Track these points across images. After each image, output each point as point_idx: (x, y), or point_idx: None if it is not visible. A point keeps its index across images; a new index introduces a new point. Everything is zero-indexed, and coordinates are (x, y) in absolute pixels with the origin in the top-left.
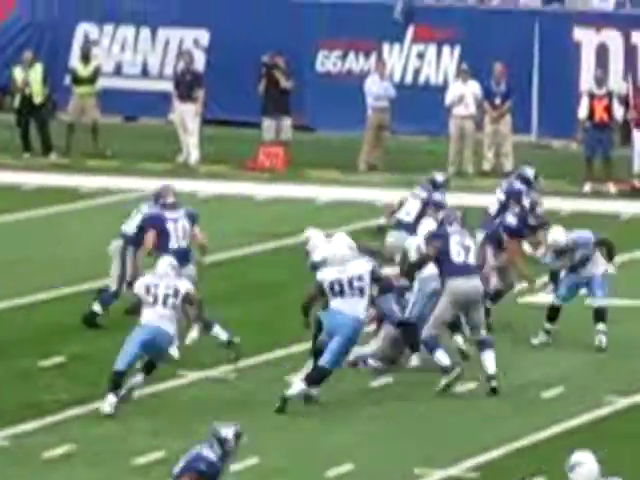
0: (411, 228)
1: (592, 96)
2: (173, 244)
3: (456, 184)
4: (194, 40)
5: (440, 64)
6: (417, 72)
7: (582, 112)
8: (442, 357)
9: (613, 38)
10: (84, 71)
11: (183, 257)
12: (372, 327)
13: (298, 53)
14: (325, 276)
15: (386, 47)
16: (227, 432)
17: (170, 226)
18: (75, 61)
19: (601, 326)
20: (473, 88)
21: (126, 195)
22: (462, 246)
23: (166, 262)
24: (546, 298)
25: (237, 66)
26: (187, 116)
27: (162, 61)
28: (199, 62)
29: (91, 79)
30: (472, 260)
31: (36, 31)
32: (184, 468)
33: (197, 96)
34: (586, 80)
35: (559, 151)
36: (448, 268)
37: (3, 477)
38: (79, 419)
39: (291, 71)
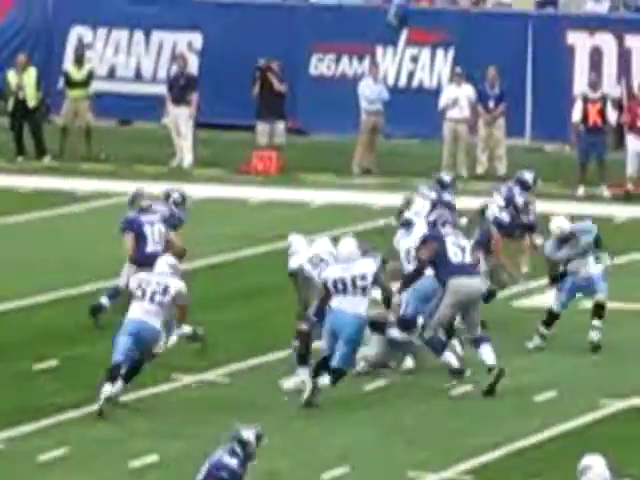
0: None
1: (586, 100)
2: (149, 248)
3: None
4: (188, 43)
5: (434, 67)
6: (411, 75)
7: (576, 116)
8: (451, 359)
9: (607, 42)
10: (78, 74)
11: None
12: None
13: (291, 56)
14: (329, 274)
15: (380, 50)
16: (248, 434)
17: (147, 230)
18: (69, 64)
19: (597, 322)
20: (467, 91)
21: (121, 198)
22: (458, 246)
23: (165, 261)
24: (540, 301)
25: (231, 70)
26: (181, 120)
27: (156, 64)
28: (193, 65)
29: (85, 82)
30: (469, 260)
31: (30, 34)
32: (206, 477)
33: (191, 99)
34: (580, 84)
35: (552, 154)
36: (447, 269)
37: None
38: (75, 422)
39: (285, 75)
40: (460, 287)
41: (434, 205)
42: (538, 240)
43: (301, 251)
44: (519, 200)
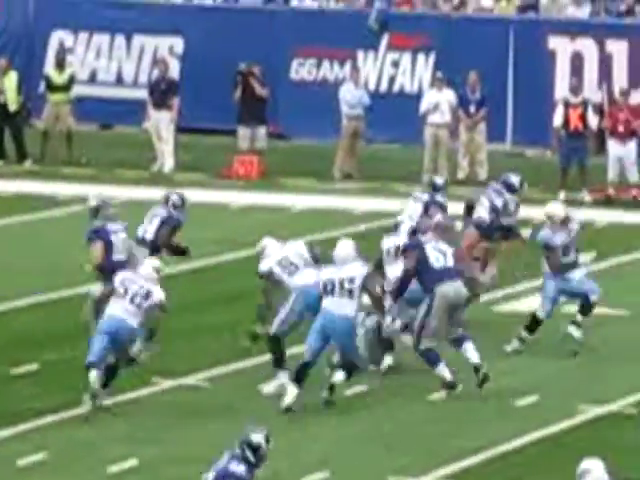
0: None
1: (567, 104)
2: (116, 256)
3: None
4: (169, 48)
5: (415, 72)
6: (392, 80)
7: (557, 120)
8: (444, 372)
9: (588, 47)
10: (59, 78)
11: (123, 270)
12: None
13: (272, 61)
14: (322, 276)
15: (361, 55)
16: (259, 438)
17: (114, 238)
18: (50, 68)
19: (580, 318)
20: (448, 96)
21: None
22: (439, 251)
23: (151, 265)
24: (520, 306)
25: (212, 74)
26: (162, 124)
27: (137, 69)
28: (174, 70)
29: (66, 87)
30: (450, 263)
31: (11, 38)
32: None
33: (172, 104)
34: (561, 88)
35: (534, 159)
36: (431, 276)
37: None
38: (53, 427)
39: (266, 79)
40: (446, 292)
41: (427, 207)
42: (524, 233)
43: (273, 254)
44: (498, 202)
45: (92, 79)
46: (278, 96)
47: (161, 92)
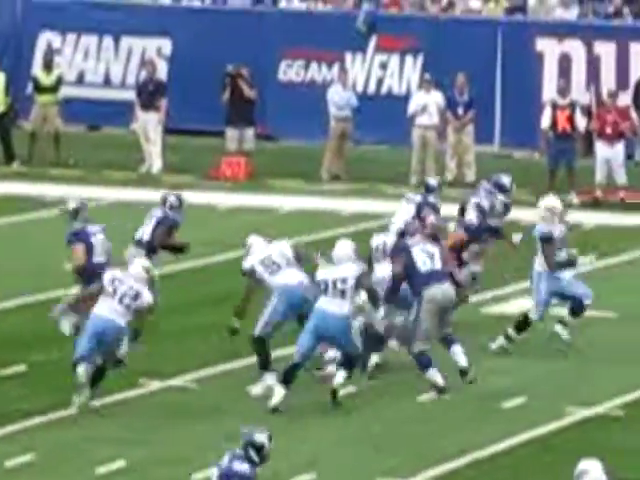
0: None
1: (555, 106)
2: (96, 258)
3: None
4: (157, 49)
5: (403, 74)
6: (380, 82)
7: (545, 122)
8: (435, 376)
9: (576, 48)
10: (47, 80)
11: (103, 272)
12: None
13: (260, 62)
14: (318, 275)
15: (349, 57)
16: (262, 438)
17: (94, 240)
18: (37, 70)
19: (569, 318)
20: (436, 98)
21: (90, 204)
22: (426, 254)
23: (140, 264)
24: (509, 308)
25: (199, 75)
26: (149, 125)
27: (125, 70)
28: (162, 71)
29: (53, 88)
30: (438, 266)
31: None
32: None
33: (159, 105)
34: (549, 90)
35: (522, 161)
36: (418, 279)
37: None
38: (41, 428)
39: (254, 81)
40: (435, 295)
41: (419, 208)
42: (515, 237)
43: (257, 252)
44: (485, 203)
45: (80, 80)
46: (266, 97)
47: (149, 93)
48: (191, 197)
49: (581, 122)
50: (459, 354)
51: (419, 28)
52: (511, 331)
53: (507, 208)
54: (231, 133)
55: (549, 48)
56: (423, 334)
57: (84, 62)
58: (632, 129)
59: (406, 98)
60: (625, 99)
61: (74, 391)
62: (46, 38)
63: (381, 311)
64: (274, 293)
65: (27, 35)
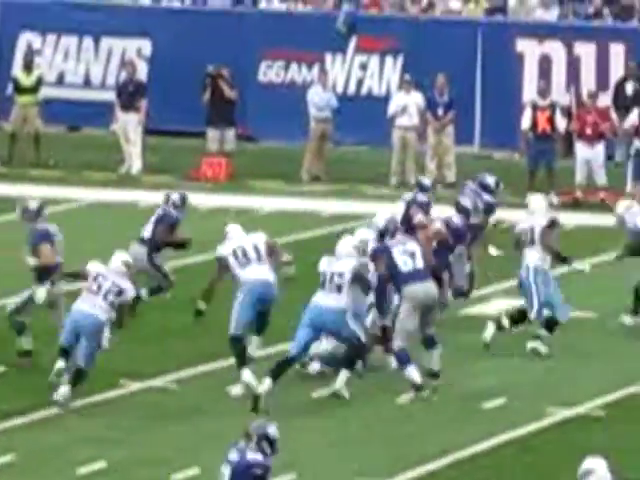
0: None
1: (535, 107)
2: (57, 258)
3: (398, 195)
4: (137, 50)
5: (383, 75)
6: (360, 83)
7: (525, 123)
8: (413, 374)
9: (556, 49)
10: (26, 80)
11: (58, 271)
12: None
13: (241, 63)
14: (320, 265)
15: (329, 58)
16: (274, 431)
17: (55, 240)
18: (17, 70)
19: (542, 332)
20: (416, 99)
21: (70, 205)
22: (407, 254)
23: (119, 259)
24: (488, 309)
25: (180, 76)
26: (130, 126)
27: (105, 71)
28: (142, 72)
29: (33, 88)
30: (420, 264)
31: None
32: (239, 479)
33: (140, 106)
34: (529, 91)
35: (502, 162)
36: (400, 278)
37: None
38: (21, 429)
39: (234, 82)
40: (413, 293)
41: (408, 206)
42: (492, 250)
43: (232, 240)
44: (466, 203)
45: (60, 81)
46: (246, 98)
47: (129, 94)
48: None
49: (561, 123)
50: (435, 358)
51: (399, 29)
52: (507, 323)
53: (491, 208)
54: (212, 134)
55: (529, 49)
56: (403, 332)
57: (64, 63)
58: (612, 130)
59: (386, 99)
60: (605, 100)
61: (52, 389)
62: (26, 39)
63: (371, 316)
64: (241, 288)
65: (7, 36)
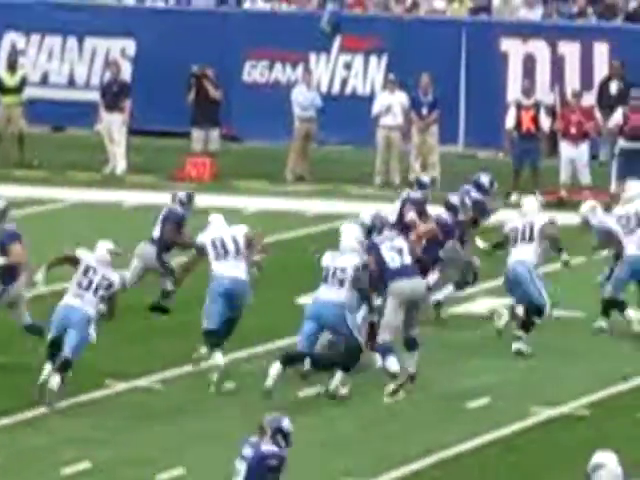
0: (392, 226)
1: (519, 106)
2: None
3: (383, 194)
4: (121, 50)
5: (367, 74)
6: (344, 82)
7: (509, 122)
8: (392, 364)
9: (540, 49)
10: (10, 80)
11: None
12: None
13: (225, 63)
14: (323, 260)
15: (313, 57)
16: (286, 423)
17: (23, 241)
18: (1, 70)
19: (520, 333)
20: (400, 98)
21: (55, 205)
22: (395, 250)
23: (104, 247)
24: (474, 308)
25: (164, 76)
26: (114, 126)
27: (89, 71)
28: (126, 72)
29: (18, 89)
30: (407, 260)
31: None
32: (253, 471)
33: (124, 106)
34: (513, 90)
35: (486, 161)
36: (387, 275)
37: None
38: (5, 430)
39: (219, 81)
40: (400, 289)
41: (403, 204)
42: (480, 244)
43: (212, 230)
44: (455, 200)
45: (44, 81)
46: (231, 98)
47: (113, 94)
48: (155, 198)
49: (545, 122)
50: (413, 360)
51: (383, 28)
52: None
53: (479, 206)
54: (197, 134)
55: (513, 48)
56: (388, 327)
57: (48, 63)
58: (596, 129)
59: (370, 98)
60: (589, 99)
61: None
62: (10, 39)
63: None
64: (212, 280)
65: None
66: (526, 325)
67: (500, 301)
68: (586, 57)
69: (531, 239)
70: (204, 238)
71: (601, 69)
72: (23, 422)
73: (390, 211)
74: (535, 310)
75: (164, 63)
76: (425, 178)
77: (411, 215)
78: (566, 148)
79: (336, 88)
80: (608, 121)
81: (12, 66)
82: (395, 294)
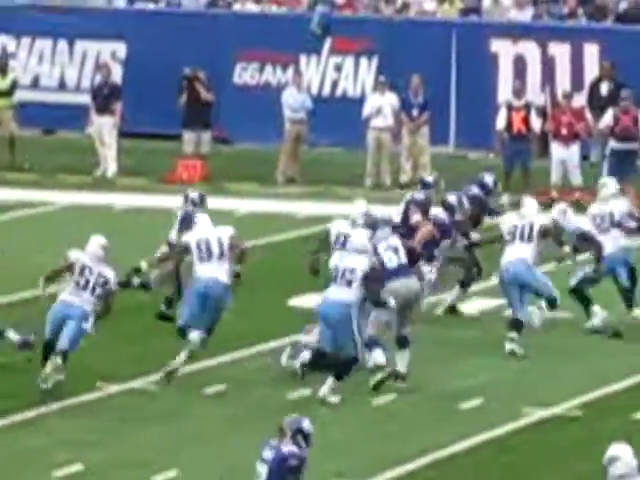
0: (397, 227)
1: (510, 107)
2: None
3: (374, 196)
4: (111, 53)
5: (357, 76)
6: (335, 84)
7: (500, 123)
8: (378, 356)
9: (530, 49)
10: (1, 84)
11: None
12: None
13: (215, 65)
14: (331, 260)
15: (303, 59)
16: (307, 423)
17: None
18: None
19: (514, 334)
20: (390, 100)
21: (45, 208)
22: (391, 249)
23: (97, 243)
24: (464, 308)
25: (154, 78)
26: (104, 129)
27: (79, 74)
28: (116, 75)
29: (8, 92)
30: (403, 259)
31: None
32: (276, 473)
33: (114, 109)
34: (504, 91)
35: (477, 162)
36: (385, 275)
37: None
38: None
39: (210, 84)
40: (397, 289)
41: (407, 206)
42: (474, 236)
43: (198, 230)
44: (452, 200)
45: (35, 84)
46: (221, 100)
47: (104, 97)
48: (146, 200)
49: (536, 123)
50: (405, 359)
51: (373, 30)
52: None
53: (477, 202)
54: (188, 136)
55: (504, 49)
56: (376, 322)
57: (39, 66)
58: (587, 130)
59: (361, 100)
60: (580, 100)
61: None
62: (0, 42)
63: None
64: (193, 281)
65: None
66: (518, 326)
67: (494, 302)
68: (576, 58)
69: (530, 239)
70: (189, 238)
71: (591, 70)
72: (15, 424)
73: (395, 212)
74: (550, 303)
75: (154, 65)
76: (429, 178)
77: (416, 217)
78: (557, 149)
79: (326, 90)
80: (599, 122)
81: (2, 69)
82: (391, 294)
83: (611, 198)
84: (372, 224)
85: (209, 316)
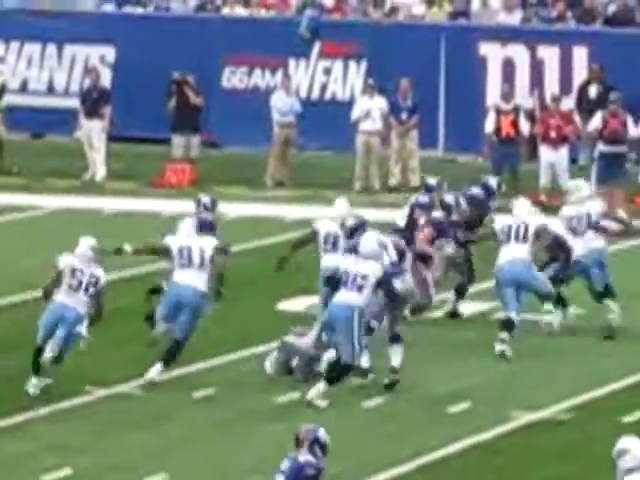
0: (401, 231)
1: (499, 111)
2: None
3: (362, 200)
4: (100, 57)
5: (346, 79)
6: (323, 88)
7: (489, 127)
8: (363, 361)
9: (519, 53)
10: None
11: None
12: None
13: (204, 69)
14: (343, 264)
15: (292, 63)
16: (323, 433)
17: None
18: None
19: (505, 335)
20: (379, 103)
21: (34, 212)
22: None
23: (86, 243)
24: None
25: (143, 82)
26: (93, 133)
27: (68, 78)
28: (105, 79)
29: None
30: (394, 257)
31: None
32: None
33: (103, 113)
34: (492, 95)
35: (465, 165)
36: None
37: None
38: None
39: (199, 88)
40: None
41: (412, 209)
42: (449, 249)
43: (182, 236)
44: (450, 200)
45: (23, 88)
46: (210, 104)
47: (93, 101)
48: (135, 204)
49: (525, 126)
50: (397, 354)
51: (362, 34)
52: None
53: (479, 201)
54: (177, 140)
55: (492, 53)
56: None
57: (27, 70)
58: (576, 133)
59: (350, 104)
60: (569, 103)
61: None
62: None
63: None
64: (169, 286)
65: None
66: (509, 326)
67: (488, 305)
68: (565, 61)
69: (525, 239)
70: (172, 242)
71: (580, 73)
72: (3, 429)
73: (399, 216)
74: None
75: (143, 69)
76: (432, 180)
77: (427, 231)
78: (546, 152)
79: (315, 93)
80: (587, 125)
81: None
82: (380, 295)
83: (587, 200)
84: (361, 225)
85: (183, 323)
